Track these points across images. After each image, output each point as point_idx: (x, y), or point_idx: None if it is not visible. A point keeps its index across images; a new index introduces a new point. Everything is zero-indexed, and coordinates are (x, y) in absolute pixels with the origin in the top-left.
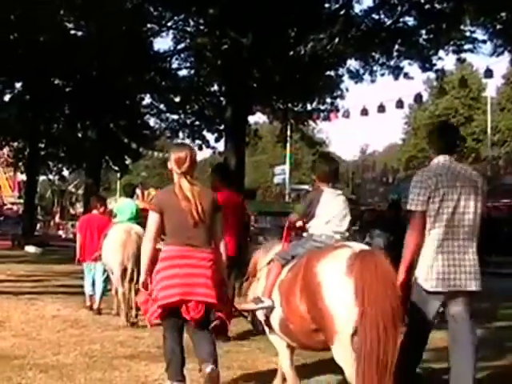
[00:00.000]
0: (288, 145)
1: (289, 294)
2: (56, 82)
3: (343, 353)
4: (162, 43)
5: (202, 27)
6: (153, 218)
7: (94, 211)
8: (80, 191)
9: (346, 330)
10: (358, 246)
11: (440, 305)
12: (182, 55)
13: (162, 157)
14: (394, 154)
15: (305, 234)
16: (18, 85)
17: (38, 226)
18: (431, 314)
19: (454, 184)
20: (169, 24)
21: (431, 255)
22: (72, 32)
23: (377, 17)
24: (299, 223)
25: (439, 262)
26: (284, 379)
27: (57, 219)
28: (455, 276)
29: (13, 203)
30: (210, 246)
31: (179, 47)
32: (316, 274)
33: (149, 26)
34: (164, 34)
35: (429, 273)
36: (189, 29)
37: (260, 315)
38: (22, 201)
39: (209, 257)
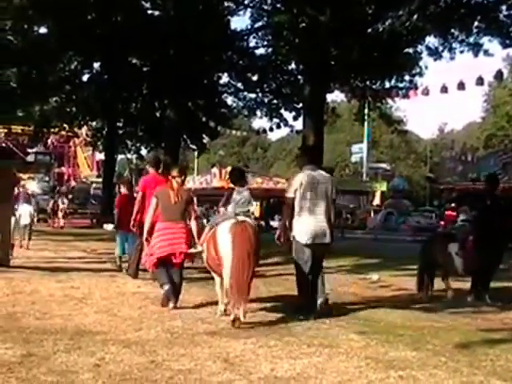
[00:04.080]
0: (366, 123)
1: (208, 243)
2: (134, 61)
3: (226, 273)
4: (240, 22)
5: (279, 5)
6: (153, 202)
7: (125, 191)
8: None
9: (227, 262)
10: (241, 218)
11: (310, 251)
12: (260, 34)
13: (240, 135)
14: (473, 132)
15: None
16: (96, 65)
17: None
18: (306, 256)
19: (312, 182)
20: (246, 2)
21: (301, 222)
22: (149, 11)
23: None
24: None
25: (306, 227)
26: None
27: None
28: (316, 235)
29: (91, 182)
30: (183, 220)
31: (256, 26)
32: (216, 231)
33: (226, 4)
34: (241, 12)
35: (301, 233)
36: (266, 7)
37: (203, 257)
38: (100, 180)
39: (183, 226)
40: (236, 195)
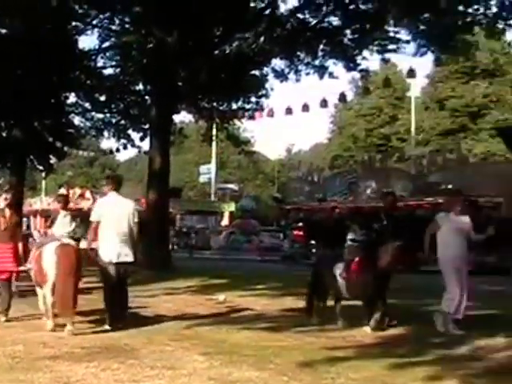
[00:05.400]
0: (214, 144)
1: (35, 261)
2: None
3: (47, 290)
4: (87, 41)
5: (127, 25)
6: None
7: None
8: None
9: (50, 280)
10: (66, 241)
11: (114, 266)
12: (108, 53)
13: (88, 156)
14: (320, 153)
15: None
16: None
17: None
18: (111, 272)
19: (115, 206)
20: (94, 22)
21: (106, 243)
22: None
23: (302, 16)
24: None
25: (110, 247)
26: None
27: None
28: (119, 254)
29: None
30: (13, 242)
31: (104, 45)
32: (42, 252)
33: (74, 24)
34: (89, 32)
35: (106, 252)
36: (114, 27)
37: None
38: None
39: (12, 247)
40: (61, 218)
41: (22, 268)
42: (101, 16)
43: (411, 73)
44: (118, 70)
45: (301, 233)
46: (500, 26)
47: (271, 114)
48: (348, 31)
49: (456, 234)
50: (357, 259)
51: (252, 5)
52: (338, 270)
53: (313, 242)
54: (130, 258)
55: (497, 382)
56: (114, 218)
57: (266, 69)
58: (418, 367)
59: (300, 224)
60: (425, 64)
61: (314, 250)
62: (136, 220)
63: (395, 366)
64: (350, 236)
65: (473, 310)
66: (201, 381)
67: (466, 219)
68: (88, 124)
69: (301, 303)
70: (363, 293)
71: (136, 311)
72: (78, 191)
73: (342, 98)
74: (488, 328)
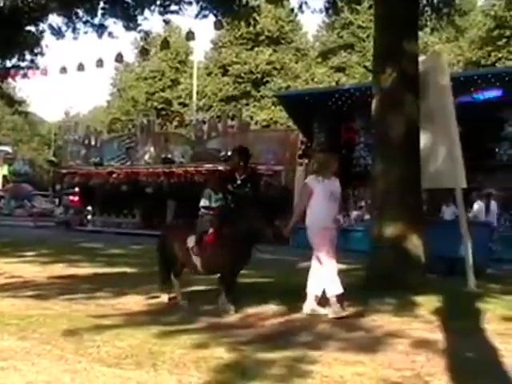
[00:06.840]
0: None
1: None
2: None
3: None
4: None
5: None
6: None
7: None
8: None
9: None
10: None
11: None
12: None
13: None
14: (99, 116)
15: None
16: None
17: None
18: None
19: None
20: None
21: None
22: None
23: None
24: None
25: None
26: None
27: None
28: None
29: None
30: None
31: None
32: None
33: None
34: None
35: None
36: None
37: None
38: None
39: None
40: None
41: None
42: None
43: (191, 35)
44: None
45: (76, 198)
46: None
47: (45, 72)
48: None
49: (329, 200)
50: (211, 230)
51: None
52: (191, 243)
53: (89, 208)
54: None
55: (262, 348)
56: None
57: (42, 25)
58: (186, 335)
59: (76, 189)
60: (211, 28)
61: (89, 217)
62: None
63: (163, 333)
64: (202, 203)
65: (248, 278)
66: None
67: (337, 183)
68: None
69: (71, 270)
70: (219, 268)
71: None
72: None
73: (120, 58)
74: (260, 296)
